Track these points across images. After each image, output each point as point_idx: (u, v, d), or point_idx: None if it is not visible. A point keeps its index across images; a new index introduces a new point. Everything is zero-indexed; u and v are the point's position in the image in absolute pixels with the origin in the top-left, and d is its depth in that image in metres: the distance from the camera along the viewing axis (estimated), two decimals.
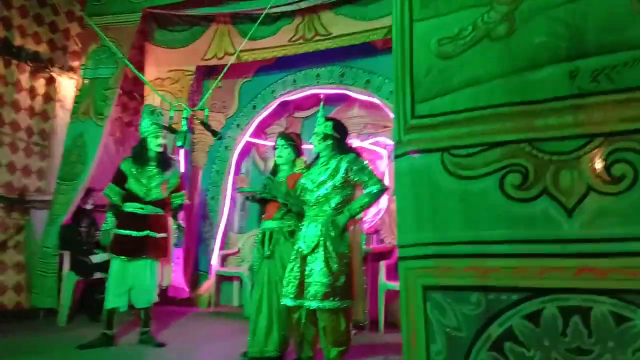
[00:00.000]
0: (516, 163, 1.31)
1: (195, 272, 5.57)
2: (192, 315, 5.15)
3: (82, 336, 3.71)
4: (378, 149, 5.29)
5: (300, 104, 5.97)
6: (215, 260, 5.55)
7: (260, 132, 6.09)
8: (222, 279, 5.65)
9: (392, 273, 4.80)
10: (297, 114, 6.06)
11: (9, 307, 4.64)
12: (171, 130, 3.35)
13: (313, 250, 2.89)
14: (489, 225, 1.30)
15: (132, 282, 3.67)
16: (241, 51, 5.19)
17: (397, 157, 1.51)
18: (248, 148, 6.07)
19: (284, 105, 5.84)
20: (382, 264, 4.50)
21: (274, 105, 5.64)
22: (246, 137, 5.82)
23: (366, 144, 5.34)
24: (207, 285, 5.50)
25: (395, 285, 4.63)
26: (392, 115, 4.83)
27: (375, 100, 4.90)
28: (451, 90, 1.42)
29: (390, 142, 5.31)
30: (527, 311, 1.22)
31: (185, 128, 3.29)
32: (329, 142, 3.05)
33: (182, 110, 3.43)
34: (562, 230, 1.22)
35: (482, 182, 1.33)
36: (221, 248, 5.67)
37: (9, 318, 4.46)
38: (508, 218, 1.29)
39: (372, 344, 3.95)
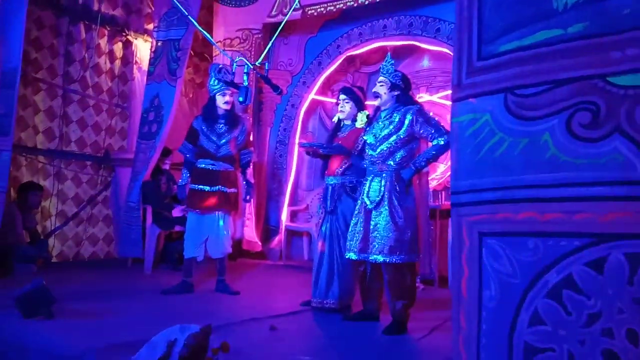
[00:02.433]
0: (586, 101, 1.21)
1: (266, 227, 5.78)
2: (264, 268, 5.39)
3: (165, 283, 4.00)
4: (448, 102, 5.09)
5: (366, 59, 5.84)
6: (285, 216, 5.71)
7: (326, 89, 6.07)
8: (291, 234, 5.83)
9: None
10: (363, 69, 5.96)
11: (101, 256, 5.11)
12: (234, 86, 3.41)
13: (378, 205, 2.87)
14: (551, 167, 1.22)
15: (207, 234, 3.88)
16: (306, 6, 5.13)
17: (455, 100, 1.44)
18: (314, 105, 6.09)
19: (350, 60, 5.75)
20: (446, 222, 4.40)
21: (339, 60, 5.56)
22: (312, 95, 5.81)
23: (435, 98, 5.16)
24: (278, 240, 5.70)
25: None
26: None
27: (446, 50, 4.67)
28: (520, 25, 1.31)
29: None
30: (590, 258, 1.14)
31: (246, 83, 3.33)
32: (396, 93, 2.96)
33: (243, 65, 3.47)
34: (634, 171, 1.12)
35: (547, 123, 1.24)
36: (290, 204, 5.81)
37: (101, 266, 4.91)
38: (573, 160, 1.20)
39: (440, 299, 3.93)
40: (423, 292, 3.98)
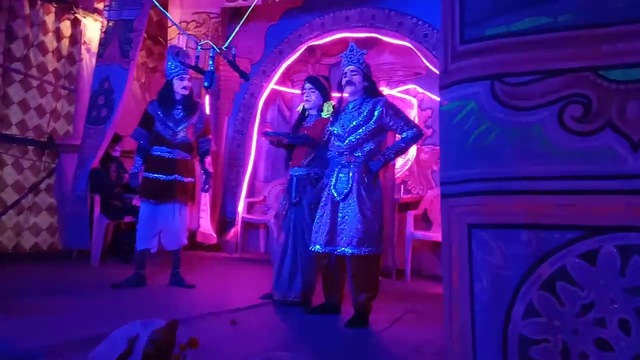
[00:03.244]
0: (578, 93, 1.20)
1: (222, 218, 5.62)
2: (220, 260, 5.25)
3: (114, 276, 3.80)
4: (408, 97, 5.14)
5: (327, 50, 5.79)
6: (241, 207, 5.58)
7: (286, 79, 5.97)
8: (248, 226, 5.71)
9: (419, 223, 4.76)
10: (324, 60, 5.91)
11: (44, 247, 4.79)
12: (198, 70, 3.25)
13: (346, 197, 2.83)
14: (543, 160, 1.21)
15: (161, 225, 3.71)
16: None
17: (442, 88, 1.41)
18: (274, 95, 5.98)
19: (310, 50, 5.68)
20: (410, 214, 4.45)
21: (300, 50, 5.47)
22: (272, 84, 5.70)
23: (395, 92, 5.18)
24: (234, 232, 5.57)
25: (422, 235, 4.60)
26: (425, 61, 4.64)
27: (408, 44, 4.69)
28: (507, 10, 1.29)
29: (421, 91, 5.14)
30: (582, 250, 1.15)
31: (212, 68, 3.19)
32: (366, 83, 2.92)
33: (208, 49, 3.32)
34: (626, 165, 1.13)
35: (538, 114, 1.23)
36: (247, 196, 5.69)
37: (44, 258, 4.60)
38: (565, 153, 1.19)
39: (399, 291, 3.96)
40: (381, 284, 4.01)
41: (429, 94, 5.06)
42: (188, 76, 3.75)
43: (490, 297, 1.22)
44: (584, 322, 1.14)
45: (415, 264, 4.68)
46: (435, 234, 4.65)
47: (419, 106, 5.09)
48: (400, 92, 5.19)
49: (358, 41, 5.15)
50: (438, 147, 4.97)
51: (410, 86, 5.18)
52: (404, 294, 3.90)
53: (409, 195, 4.84)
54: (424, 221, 4.85)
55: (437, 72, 4.12)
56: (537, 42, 1.24)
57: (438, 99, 4.44)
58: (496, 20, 1.29)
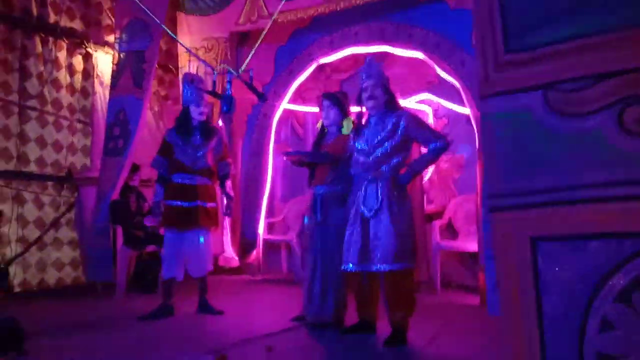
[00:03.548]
0: (636, 94, 1.15)
1: (243, 241, 5.58)
2: (243, 283, 5.20)
3: (140, 308, 3.76)
4: (423, 107, 5.10)
5: (337, 66, 5.80)
6: (261, 228, 5.54)
7: (297, 97, 5.97)
8: (269, 246, 5.67)
9: (444, 233, 4.69)
10: (334, 77, 5.91)
11: (68, 282, 4.77)
12: (216, 95, 3.25)
13: (377, 213, 2.78)
14: (606, 165, 1.16)
15: (186, 252, 3.67)
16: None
17: (484, 97, 1.36)
18: (286, 115, 5.98)
19: (320, 68, 5.67)
20: (435, 224, 4.38)
21: (310, 68, 5.46)
22: (284, 104, 5.70)
23: (412, 102, 5.15)
24: (256, 253, 5.52)
25: (448, 245, 4.52)
26: (438, 69, 4.61)
27: (419, 55, 4.67)
28: (553, 17, 1.25)
29: (436, 100, 5.11)
30: None
31: (229, 92, 3.19)
32: (387, 97, 2.89)
33: (225, 74, 3.32)
34: None
35: (597, 118, 1.18)
36: (267, 216, 5.65)
37: (69, 293, 4.57)
38: (629, 156, 1.14)
39: (430, 304, 3.88)
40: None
41: (443, 102, 5.03)
42: (204, 102, 3.75)
43: (563, 313, 1.15)
44: None
45: (443, 275, 4.60)
46: (461, 244, 4.57)
47: (435, 115, 5.06)
48: (416, 102, 5.15)
49: (368, 55, 5.20)
50: (457, 155, 4.92)
51: (424, 95, 5.14)
52: (436, 307, 3.82)
53: (432, 206, 4.77)
54: (449, 231, 4.78)
55: (452, 80, 4.06)
56: (588, 45, 1.20)
57: (454, 106, 4.39)
58: (543, 29, 1.25)
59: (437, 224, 4.43)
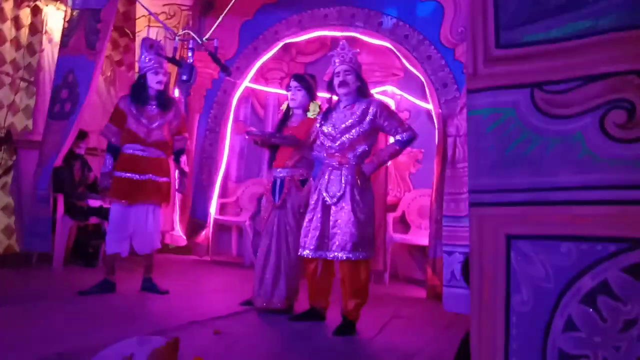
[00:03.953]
0: (621, 98, 1.15)
1: (192, 220, 5.41)
2: (191, 263, 5.06)
3: (79, 282, 3.57)
4: (386, 99, 5.09)
5: (302, 48, 5.69)
6: (213, 208, 5.39)
7: (259, 76, 5.82)
8: (219, 227, 5.53)
9: (397, 226, 4.73)
10: (299, 59, 5.80)
11: (0, 250, 4.45)
12: (176, 62, 3.08)
13: (339, 200, 2.73)
14: (584, 168, 1.15)
15: (133, 227, 3.50)
16: None
17: (471, 91, 1.33)
18: (247, 93, 5.81)
19: (285, 48, 5.54)
20: (389, 217, 4.40)
21: (276, 47, 5.32)
22: (246, 82, 5.53)
23: (373, 92, 5.12)
24: (205, 234, 5.37)
25: (400, 238, 4.57)
26: (405, 62, 4.60)
27: (388, 45, 4.64)
28: (546, 16, 1.23)
29: (399, 92, 5.11)
30: (626, 263, 1.10)
31: (191, 60, 3.02)
32: (358, 83, 2.83)
33: (187, 40, 3.14)
34: None
35: (579, 121, 1.17)
36: (219, 196, 5.49)
37: (1, 261, 4.27)
38: (608, 161, 1.14)
39: (379, 295, 3.90)
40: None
41: (406, 95, 5.04)
42: (163, 70, 3.56)
43: (531, 310, 1.16)
44: (627, 339, 1.09)
45: (392, 268, 4.65)
46: (413, 237, 4.63)
47: (397, 107, 5.06)
48: (378, 92, 5.13)
49: (335, 40, 5.12)
50: (415, 149, 4.96)
51: (388, 87, 5.14)
52: (385, 298, 3.85)
53: (387, 198, 4.79)
54: (401, 224, 4.83)
55: (417, 74, 4.06)
56: (579, 47, 1.19)
57: (416, 101, 4.40)
58: (536, 25, 1.24)
59: (391, 216, 4.46)
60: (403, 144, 2.76)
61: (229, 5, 3.40)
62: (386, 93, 5.14)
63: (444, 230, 2.94)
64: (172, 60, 3.13)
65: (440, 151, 3.83)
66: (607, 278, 1.11)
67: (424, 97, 4.71)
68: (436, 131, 4.26)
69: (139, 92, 3.55)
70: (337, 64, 2.83)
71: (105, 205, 4.31)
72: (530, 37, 1.26)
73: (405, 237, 4.56)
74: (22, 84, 4.73)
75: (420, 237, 4.49)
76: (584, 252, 1.14)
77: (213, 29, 3.27)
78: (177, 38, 3.04)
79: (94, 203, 4.47)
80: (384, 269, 4.13)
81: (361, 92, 2.85)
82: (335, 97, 2.89)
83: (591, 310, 1.12)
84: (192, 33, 3.11)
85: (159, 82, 3.54)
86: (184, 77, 3.00)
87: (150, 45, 3.62)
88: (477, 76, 1.33)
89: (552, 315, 1.14)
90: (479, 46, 1.33)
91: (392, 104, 5.09)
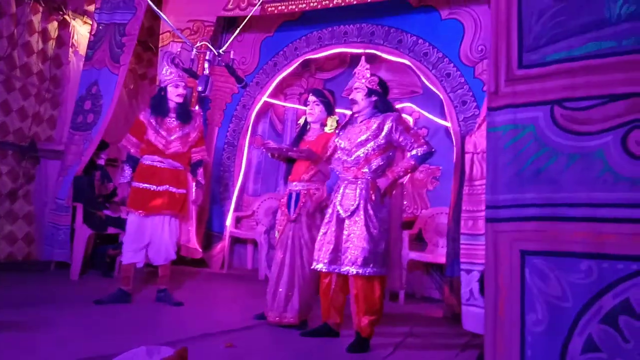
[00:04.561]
0: None
1: (207, 232, 5.43)
2: (205, 276, 5.05)
3: (95, 291, 3.59)
4: (404, 115, 5.07)
5: (322, 65, 5.72)
6: (229, 221, 5.40)
7: (278, 92, 5.86)
8: (235, 241, 5.53)
9: (413, 243, 4.66)
10: (318, 75, 5.83)
11: (19, 257, 4.52)
12: (192, 73, 3.12)
13: (352, 214, 2.71)
14: (606, 186, 1.13)
15: (149, 238, 3.52)
16: (265, 3, 4.92)
17: (492, 109, 1.32)
18: (265, 108, 5.86)
19: (304, 65, 5.59)
20: (405, 234, 4.35)
21: (296, 63, 5.37)
22: (265, 97, 5.58)
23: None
24: (221, 247, 5.37)
25: (417, 256, 4.50)
26: (424, 79, 4.60)
27: (406, 62, 4.64)
28: (568, 35, 1.22)
29: (417, 109, 5.09)
30: None
31: (207, 72, 3.06)
32: (373, 98, 2.83)
33: (204, 52, 3.18)
34: None
35: (601, 139, 1.15)
36: (235, 210, 5.51)
37: (19, 269, 4.33)
38: (631, 179, 1.11)
39: (394, 314, 3.84)
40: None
41: (425, 113, 5.02)
42: (183, 83, 3.62)
43: (546, 329, 1.12)
44: None
45: (409, 286, 4.57)
46: (430, 255, 4.56)
47: (415, 125, 5.04)
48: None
49: (355, 56, 5.16)
50: (433, 167, 4.92)
51: (407, 104, 5.12)
52: (400, 316, 3.78)
53: (404, 215, 4.74)
54: (418, 241, 4.76)
55: (436, 91, 4.05)
56: (600, 66, 1.18)
57: (435, 118, 4.37)
58: (557, 45, 1.23)
59: (407, 233, 4.41)
60: (419, 159, 2.73)
61: (244, 21, 3.44)
62: (404, 110, 5.12)
63: (461, 248, 2.89)
64: (188, 71, 3.18)
65: (458, 168, 3.79)
66: (629, 297, 1.08)
67: (442, 114, 4.68)
68: (454, 148, 4.22)
69: (158, 104, 3.61)
70: (352, 81, 2.86)
71: (123, 216, 4.36)
72: (552, 57, 1.26)
73: (421, 255, 4.49)
74: (47, 95, 4.85)
75: (437, 255, 4.42)
76: (605, 271, 1.10)
77: (230, 41, 3.31)
78: (194, 49, 3.08)
79: (112, 213, 4.53)
80: (400, 286, 4.06)
81: (378, 106, 2.84)
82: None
83: (613, 329, 1.08)
84: (209, 44, 3.15)
85: (179, 95, 3.59)
86: (200, 88, 3.05)
87: (171, 59, 3.69)
88: (498, 94, 1.32)
89: (569, 335, 1.10)
90: (501, 66, 1.32)
91: (410, 121, 5.07)
